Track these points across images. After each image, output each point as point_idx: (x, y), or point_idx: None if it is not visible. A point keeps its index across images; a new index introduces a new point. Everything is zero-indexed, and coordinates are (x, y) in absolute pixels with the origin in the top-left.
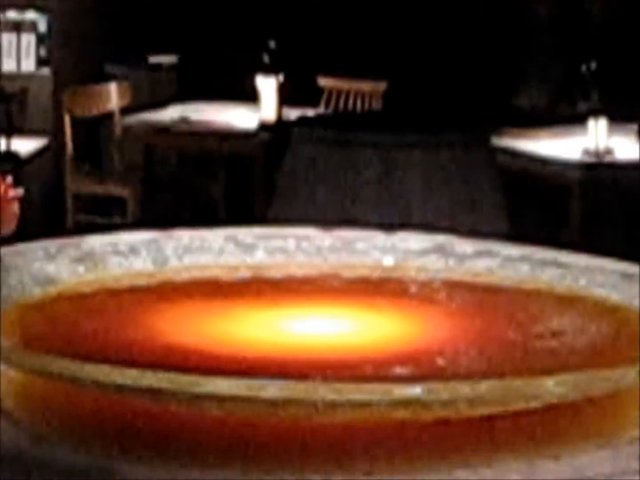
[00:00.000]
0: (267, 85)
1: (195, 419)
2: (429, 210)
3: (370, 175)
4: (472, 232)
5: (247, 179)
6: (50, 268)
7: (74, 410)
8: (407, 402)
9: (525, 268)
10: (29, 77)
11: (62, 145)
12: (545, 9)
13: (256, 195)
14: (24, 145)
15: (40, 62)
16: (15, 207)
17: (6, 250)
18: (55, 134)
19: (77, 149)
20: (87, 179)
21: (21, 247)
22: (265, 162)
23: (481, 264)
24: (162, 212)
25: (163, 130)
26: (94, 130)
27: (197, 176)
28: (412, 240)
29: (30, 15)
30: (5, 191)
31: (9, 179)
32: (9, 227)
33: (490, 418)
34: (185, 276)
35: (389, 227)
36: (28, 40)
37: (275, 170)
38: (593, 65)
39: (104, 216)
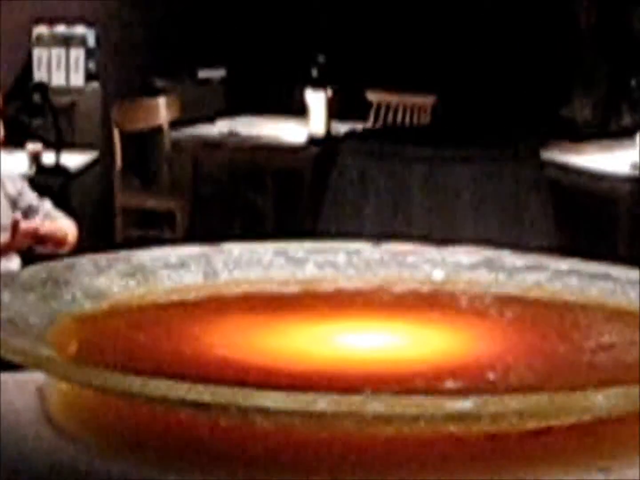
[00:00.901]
0: (315, 99)
1: (245, 433)
2: (478, 224)
3: (418, 189)
4: (521, 246)
5: (296, 193)
6: (101, 282)
7: (126, 423)
8: (457, 416)
9: (574, 282)
10: (78, 91)
11: (111, 159)
12: (586, 19)
13: (305, 209)
14: (73, 160)
15: (89, 76)
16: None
17: (57, 264)
18: (105, 148)
19: (126, 163)
20: (136, 193)
21: (72, 261)
22: (314, 176)
23: (531, 277)
24: (211, 226)
25: (212, 144)
26: (143, 144)
27: (245, 190)
28: (462, 254)
29: (79, 29)
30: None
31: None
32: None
33: (539, 432)
34: (235, 290)
35: (438, 240)
36: (77, 54)
37: (324, 184)
38: None
39: (153, 230)
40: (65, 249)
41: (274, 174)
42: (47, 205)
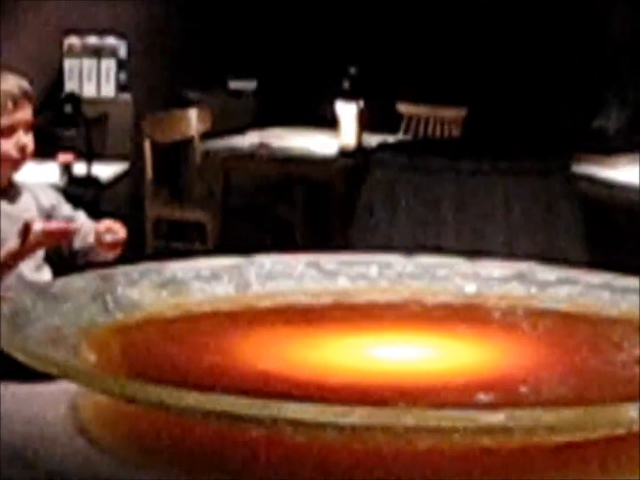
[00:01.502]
0: (347, 111)
1: (277, 445)
2: (508, 236)
3: (449, 202)
4: (552, 259)
5: (326, 205)
6: (134, 293)
7: (158, 434)
8: (490, 429)
9: (606, 295)
10: (109, 102)
11: (142, 170)
12: (621, 30)
13: (334, 221)
14: (104, 170)
15: (120, 87)
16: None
17: (90, 275)
18: (135, 159)
19: (157, 174)
20: (166, 204)
21: (104, 272)
22: (345, 188)
23: (562, 291)
24: (241, 238)
25: (242, 155)
26: (174, 155)
27: (275, 202)
28: (494, 267)
29: (111, 40)
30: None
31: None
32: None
33: (571, 445)
34: (267, 302)
35: (470, 253)
36: (108, 65)
37: (354, 196)
38: None
39: (183, 241)
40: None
41: (304, 185)
42: (81, 216)
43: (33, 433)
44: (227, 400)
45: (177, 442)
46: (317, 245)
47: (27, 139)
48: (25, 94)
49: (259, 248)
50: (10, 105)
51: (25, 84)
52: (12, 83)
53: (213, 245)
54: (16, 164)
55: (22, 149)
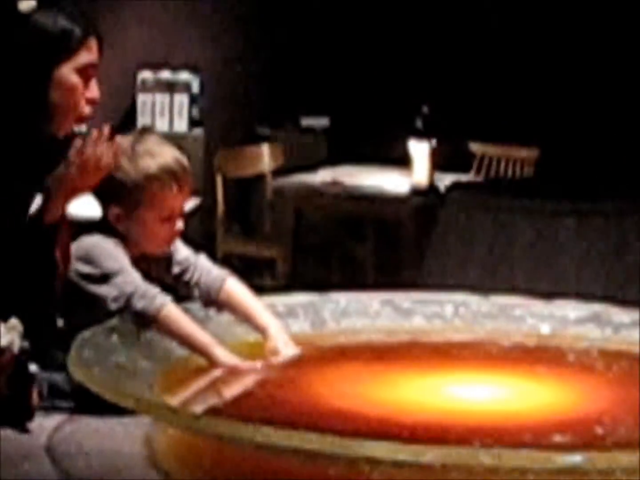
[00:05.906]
0: (419, 150)
1: None
2: (582, 277)
3: (523, 242)
4: (625, 301)
5: (397, 243)
6: (210, 328)
7: (232, 470)
8: (566, 470)
9: None
10: (182, 137)
11: (213, 205)
12: None
13: (405, 259)
14: None
15: (193, 122)
16: None
17: None
18: (207, 194)
19: (228, 209)
20: (237, 240)
21: (181, 306)
22: (416, 226)
23: (637, 333)
24: (311, 274)
25: (314, 192)
26: (246, 191)
27: (346, 239)
28: (569, 308)
29: (184, 75)
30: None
31: None
32: None
33: None
34: (342, 339)
35: (544, 294)
36: (181, 100)
37: (426, 235)
38: None
39: (253, 277)
40: None
41: (375, 223)
42: (202, 260)
43: (108, 467)
44: (303, 437)
45: (251, 478)
46: (388, 283)
47: (181, 224)
48: (185, 171)
49: (328, 285)
50: (174, 188)
51: (182, 156)
52: (171, 156)
53: (283, 281)
54: (165, 247)
55: (174, 235)
